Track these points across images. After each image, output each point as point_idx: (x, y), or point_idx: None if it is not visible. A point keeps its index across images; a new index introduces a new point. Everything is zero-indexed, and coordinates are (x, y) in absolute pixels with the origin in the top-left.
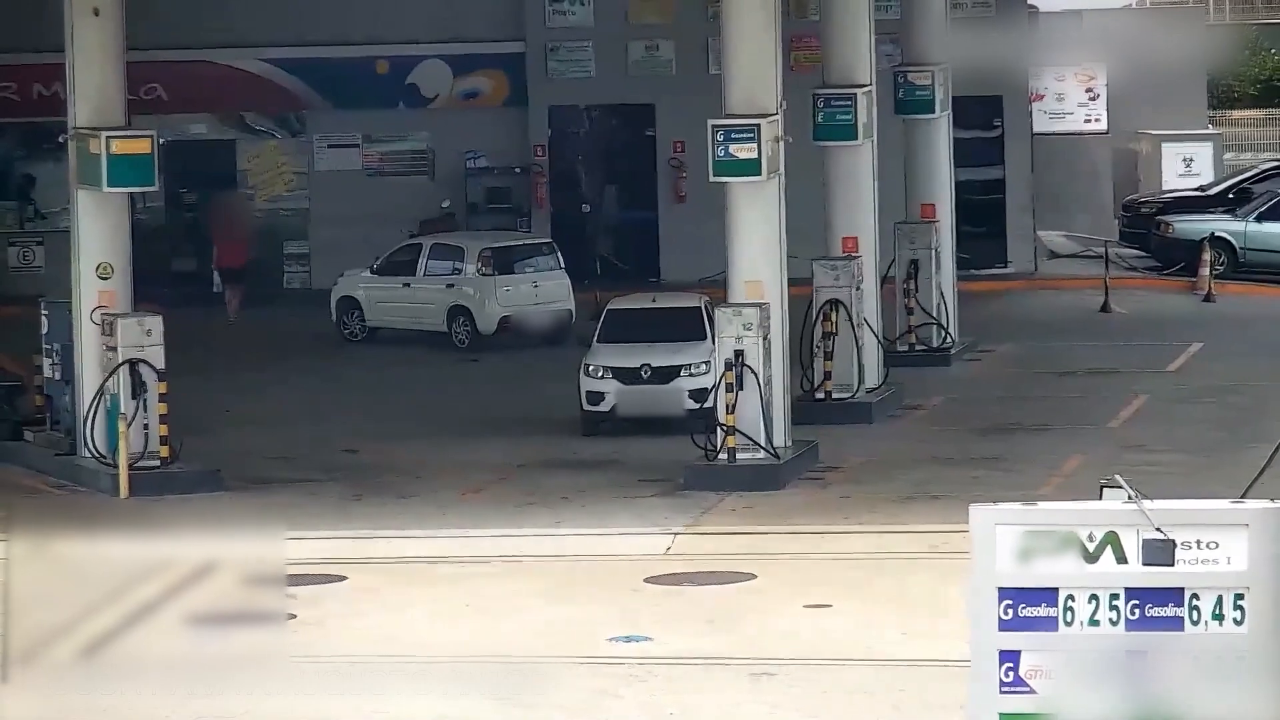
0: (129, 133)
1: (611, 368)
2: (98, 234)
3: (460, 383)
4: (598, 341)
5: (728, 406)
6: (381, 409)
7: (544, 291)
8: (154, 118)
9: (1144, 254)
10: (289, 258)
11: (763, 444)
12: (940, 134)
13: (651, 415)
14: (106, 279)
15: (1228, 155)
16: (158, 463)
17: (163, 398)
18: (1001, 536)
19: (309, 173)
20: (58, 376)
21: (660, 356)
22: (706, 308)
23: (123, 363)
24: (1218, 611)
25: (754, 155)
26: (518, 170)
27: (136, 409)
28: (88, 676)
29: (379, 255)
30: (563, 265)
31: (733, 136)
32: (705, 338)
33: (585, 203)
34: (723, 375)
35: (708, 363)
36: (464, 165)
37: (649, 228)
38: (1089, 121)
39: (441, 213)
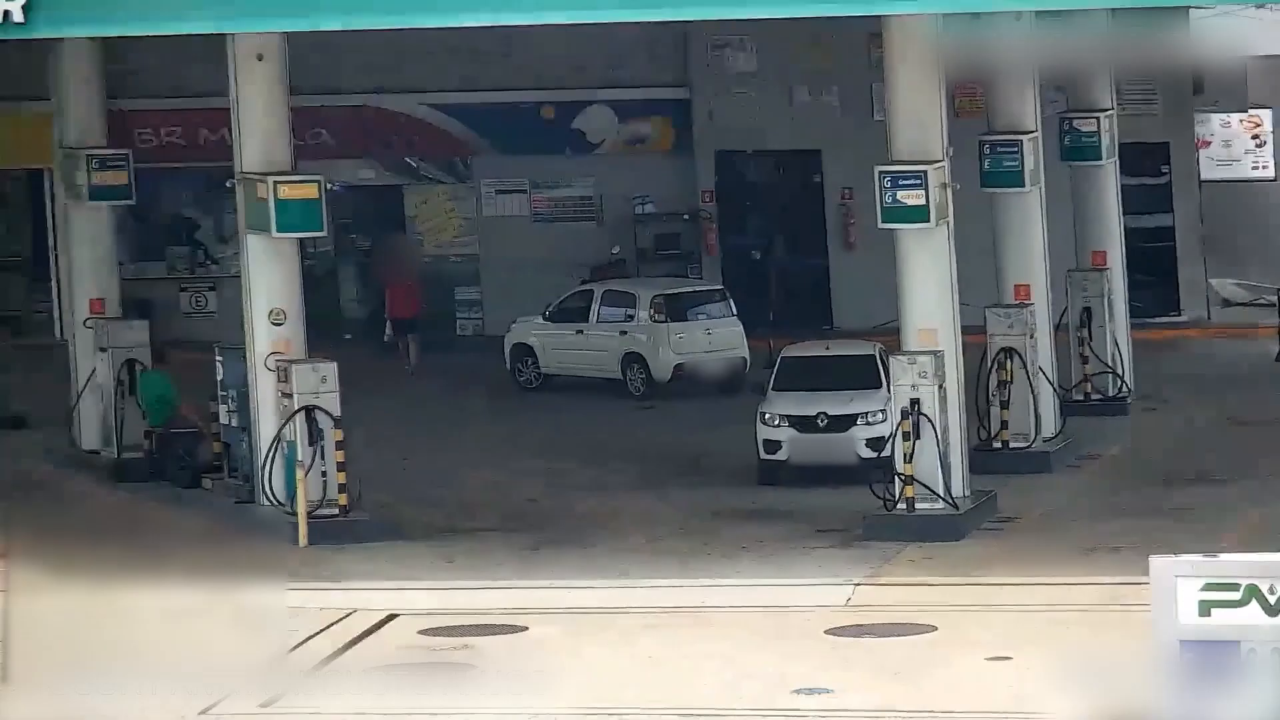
0: (296, 177)
1: (787, 416)
2: (269, 279)
3: (635, 430)
4: (773, 389)
5: (905, 456)
6: (558, 457)
7: (717, 339)
8: (321, 163)
9: None
10: (460, 304)
11: (941, 494)
12: (1108, 180)
13: (827, 464)
14: (280, 325)
15: None
16: (336, 511)
17: (339, 445)
18: (1183, 589)
19: (476, 218)
20: (234, 423)
21: (836, 405)
22: (881, 355)
23: (299, 409)
24: None
25: (922, 202)
26: (685, 216)
27: (314, 456)
28: None
29: (551, 302)
30: (735, 312)
31: (900, 183)
32: (880, 386)
33: (755, 249)
34: (899, 424)
35: (883, 411)
36: (631, 211)
37: (820, 274)
38: (1256, 168)
39: (612, 259)
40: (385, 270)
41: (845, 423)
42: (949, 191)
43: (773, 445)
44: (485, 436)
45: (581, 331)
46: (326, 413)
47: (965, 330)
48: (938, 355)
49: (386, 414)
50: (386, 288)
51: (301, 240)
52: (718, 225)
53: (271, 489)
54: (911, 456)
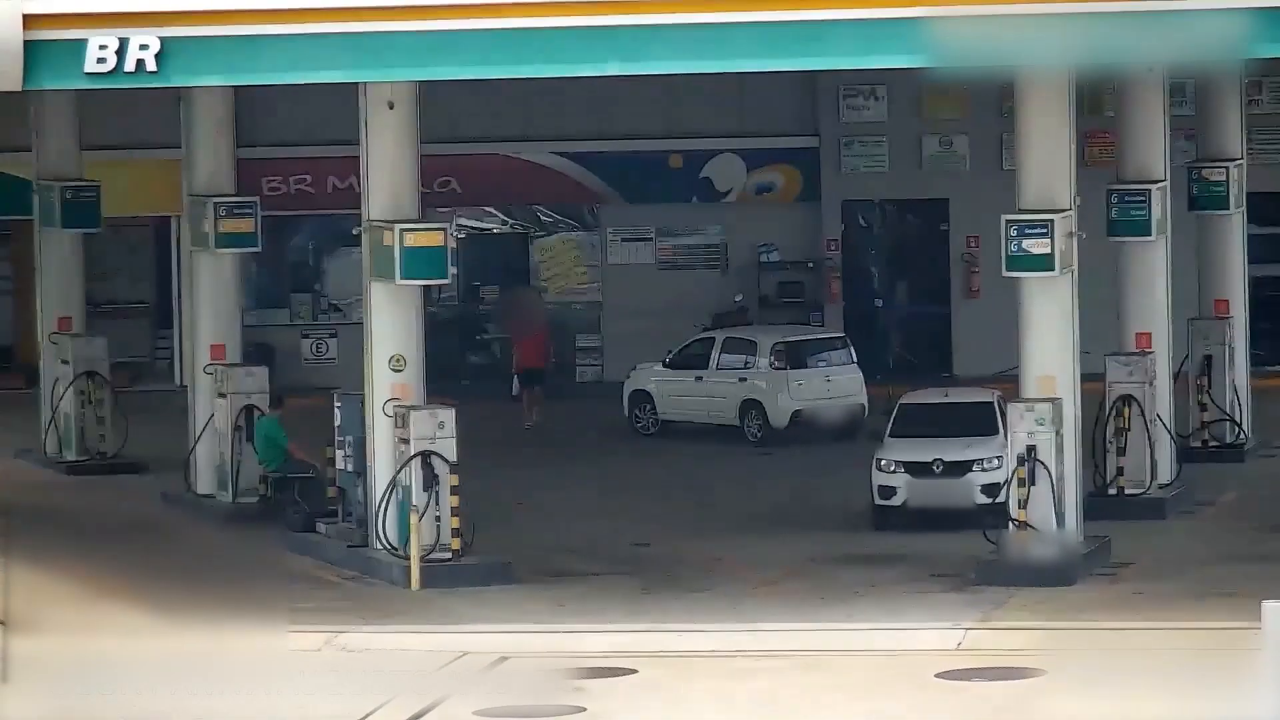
0: (423, 225)
1: (904, 462)
2: (391, 326)
3: (752, 476)
4: (890, 436)
5: (1019, 501)
6: (673, 502)
7: (836, 386)
8: (448, 211)
9: None
10: (581, 351)
11: (1054, 539)
12: (1234, 230)
13: (942, 509)
14: (400, 371)
15: None
16: (449, 555)
17: (454, 490)
18: None
19: (601, 265)
20: (350, 468)
21: (952, 451)
22: (999, 402)
23: (415, 454)
24: None
25: (1047, 250)
26: (810, 265)
27: (429, 501)
28: None
29: (671, 349)
30: (855, 359)
31: (1026, 232)
32: (997, 432)
33: (878, 297)
34: (1015, 471)
35: (1000, 458)
36: (756, 259)
37: (941, 322)
38: None
39: (734, 306)
40: (513, 323)
41: (961, 469)
42: (1074, 240)
43: (888, 490)
44: (600, 481)
45: (701, 378)
46: (443, 458)
47: (1084, 378)
48: (1056, 403)
49: (503, 459)
50: (514, 341)
51: (426, 287)
52: (841, 273)
53: (385, 533)
54: (1026, 503)
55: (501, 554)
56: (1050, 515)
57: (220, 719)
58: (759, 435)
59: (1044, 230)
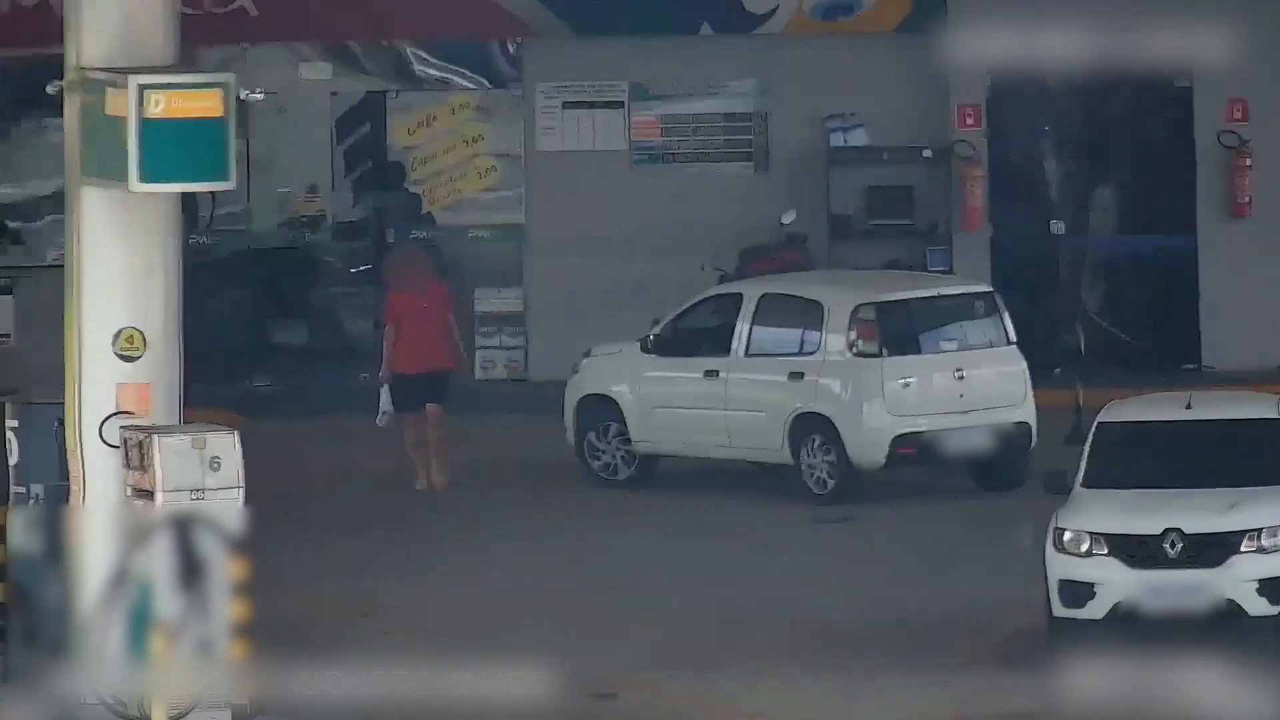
0: (184, 78)
1: (1107, 535)
2: (120, 274)
3: (817, 569)
4: (1082, 484)
5: None
6: (665, 615)
7: (976, 386)
8: (234, 50)
9: None
10: (487, 321)
11: None
12: None
13: (1184, 621)
14: (133, 358)
15: None
16: (225, 716)
17: (240, 589)
18: None
19: (524, 155)
20: (36, 547)
21: (1200, 514)
22: None
23: (164, 520)
24: None
25: None
26: (926, 154)
27: (188, 611)
28: None
29: (659, 318)
30: (1012, 337)
31: None
32: None
33: (1055, 219)
34: None
35: None
36: (823, 143)
37: (1180, 268)
38: None
39: (780, 234)
40: (397, 297)
41: (1217, 548)
42: None
43: (1078, 590)
44: (523, 570)
45: (716, 374)
46: (218, 527)
47: None
48: None
49: (345, 529)
50: (387, 320)
51: (186, 200)
52: (987, 173)
53: (105, 671)
54: None
55: (325, 714)
56: None
57: None
58: (829, 481)
59: None
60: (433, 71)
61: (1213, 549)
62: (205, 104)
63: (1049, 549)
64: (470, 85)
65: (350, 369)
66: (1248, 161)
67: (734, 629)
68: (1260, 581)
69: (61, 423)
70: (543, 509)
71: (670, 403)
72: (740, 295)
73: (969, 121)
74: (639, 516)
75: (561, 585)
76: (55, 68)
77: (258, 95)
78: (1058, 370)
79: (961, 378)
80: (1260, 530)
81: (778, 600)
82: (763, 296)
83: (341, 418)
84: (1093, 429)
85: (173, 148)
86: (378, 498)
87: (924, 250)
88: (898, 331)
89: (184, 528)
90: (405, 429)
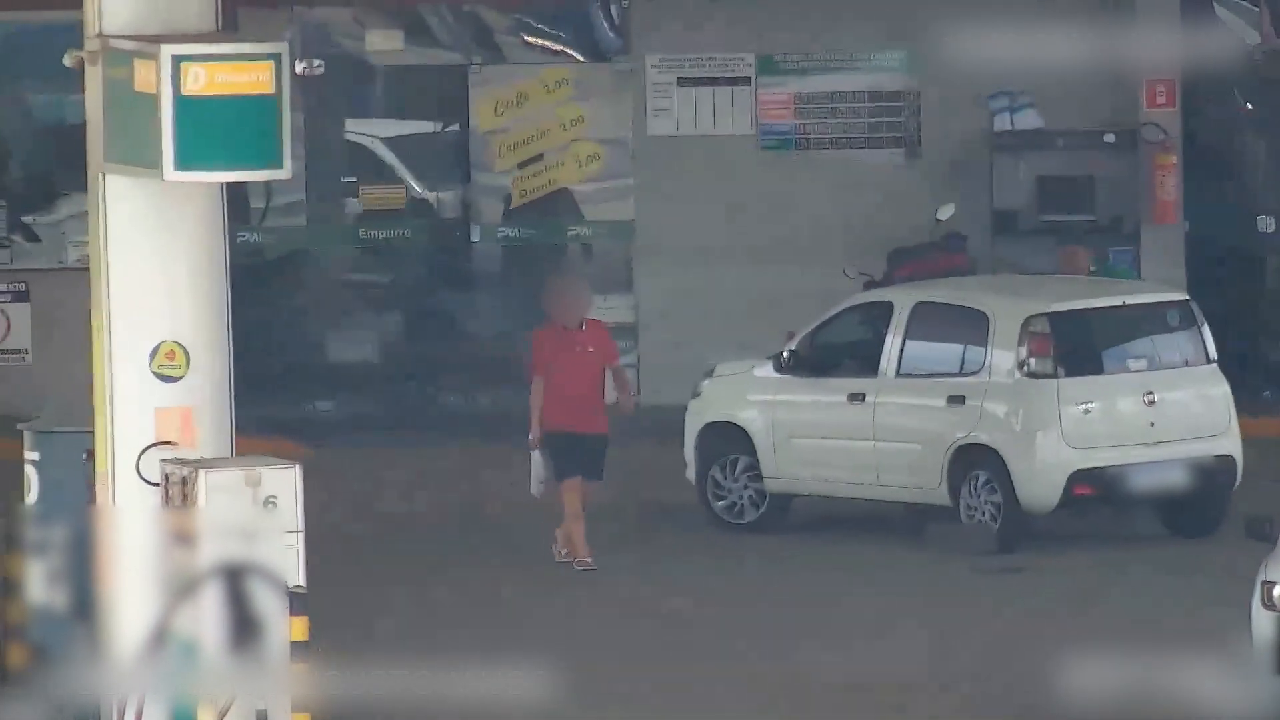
0: (228, 49)
1: None
2: (155, 278)
3: (985, 631)
4: None
5: None
6: (796, 698)
7: (1170, 412)
8: (282, 15)
9: None
10: None
11: None
12: None
13: None
14: (176, 378)
15: None
16: None
17: (302, 647)
18: None
19: (632, 139)
20: (60, 600)
21: None
22: None
23: (213, 570)
24: None
25: None
26: (1109, 138)
27: (244, 674)
28: None
29: (795, 331)
30: (1213, 353)
31: None
32: None
33: (1263, 211)
34: None
35: None
36: (985, 124)
37: None
38: None
39: (936, 232)
40: (547, 340)
41: None
42: None
43: None
44: (643, 642)
45: (863, 397)
46: (273, 580)
47: None
48: None
49: (419, 591)
50: (536, 369)
51: (234, 191)
52: (1181, 160)
53: None
54: None
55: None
56: None
57: None
58: (995, 523)
59: None
60: (523, 41)
61: None
62: (253, 78)
63: (1255, 606)
64: (568, 57)
65: (430, 387)
66: None
67: (890, 710)
68: None
69: (90, 455)
70: (656, 558)
71: (809, 432)
72: (890, 305)
73: (1160, 100)
74: (769, 568)
75: (681, 653)
76: (73, 34)
77: (317, 68)
78: (1268, 393)
79: (1152, 403)
80: None
81: (937, 669)
82: (916, 306)
83: (417, 446)
84: None
85: (215, 130)
86: (455, 540)
87: (1107, 251)
88: (1076, 348)
89: (235, 579)
90: (565, 496)
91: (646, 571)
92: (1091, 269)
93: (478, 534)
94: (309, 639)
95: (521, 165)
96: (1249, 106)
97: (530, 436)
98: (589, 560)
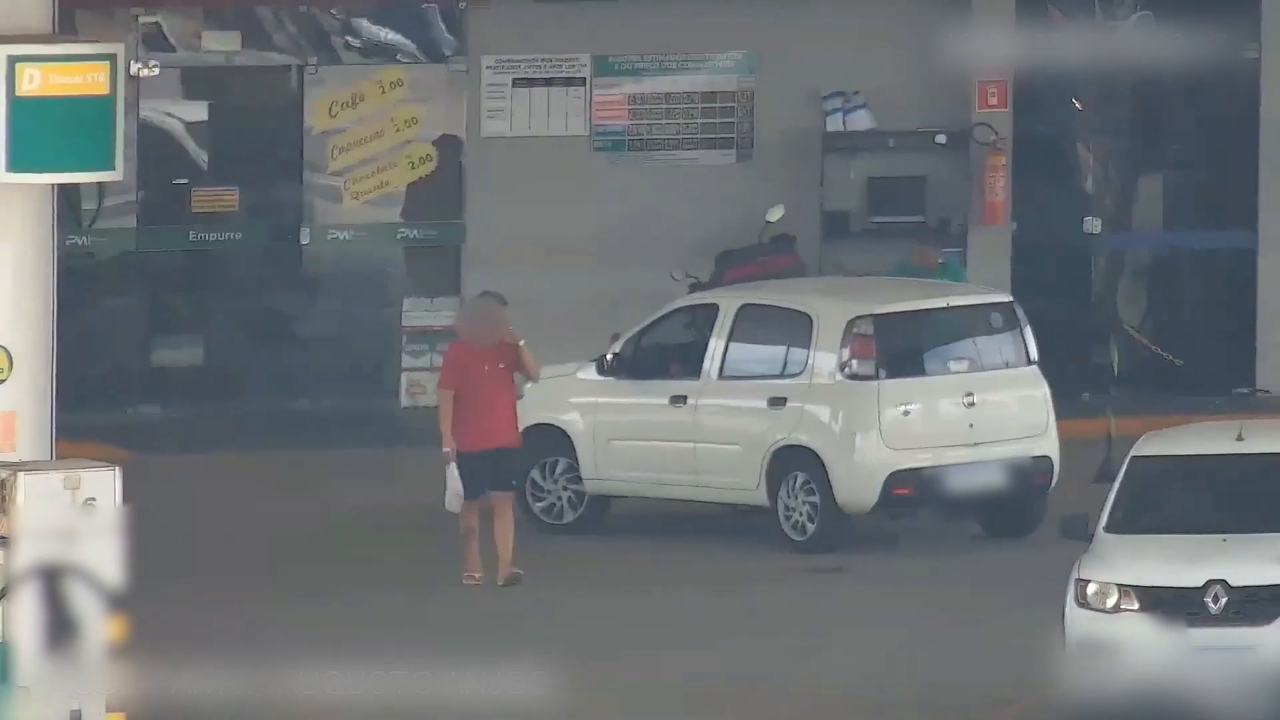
0: (60, 49)
1: (1139, 588)
2: None
3: (797, 625)
4: (1108, 529)
5: None
6: (631, 691)
7: (989, 414)
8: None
9: None
10: (415, 338)
11: None
12: None
13: (1229, 688)
14: None
15: None
16: None
17: (114, 651)
18: None
19: (465, 140)
20: None
21: (1248, 562)
22: None
23: (31, 570)
24: None
25: None
26: (940, 139)
27: (60, 674)
28: None
29: (617, 333)
30: (1034, 355)
31: None
32: None
33: (1090, 213)
34: None
35: None
36: (817, 125)
37: (1236, 269)
38: None
39: (765, 234)
40: (462, 355)
41: (1269, 603)
42: None
43: (1104, 652)
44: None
45: (684, 400)
46: (91, 580)
47: None
48: None
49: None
50: (446, 382)
51: (69, 194)
52: (1011, 162)
53: None
54: None
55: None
56: None
57: None
58: (809, 527)
59: None
60: (358, 42)
61: (1263, 604)
62: (88, 79)
63: (1069, 604)
64: (403, 59)
65: (254, 395)
66: None
67: (706, 709)
68: None
69: None
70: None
71: (629, 434)
72: (715, 307)
73: (992, 101)
74: (591, 574)
75: (492, 653)
76: None
77: (152, 69)
78: (1087, 395)
79: (972, 404)
80: None
81: (756, 669)
82: (741, 308)
83: (246, 450)
84: (1125, 464)
85: (48, 131)
86: (276, 549)
87: (934, 250)
88: (898, 350)
89: (52, 580)
90: (460, 515)
91: (453, 567)
92: (940, 261)
93: (306, 538)
94: (125, 639)
95: (355, 166)
96: (1078, 106)
97: (445, 450)
98: (476, 577)
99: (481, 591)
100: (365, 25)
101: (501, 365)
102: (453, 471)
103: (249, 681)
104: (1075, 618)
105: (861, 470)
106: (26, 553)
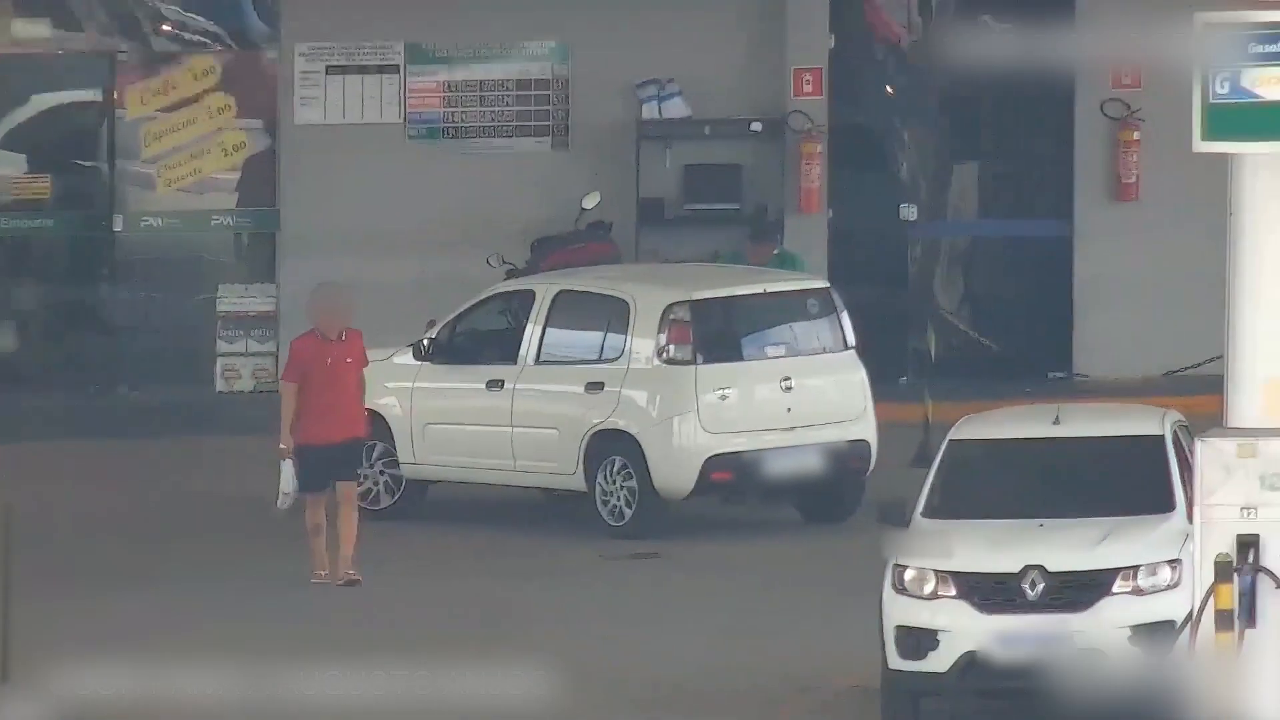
0: None
1: (956, 574)
2: None
3: (606, 610)
4: (925, 514)
5: (1221, 666)
6: (432, 659)
7: (807, 399)
8: None
9: None
10: (230, 324)
11: None
12: None
13: (1045, 675)
14: None
15: None
16: None
17: None
18: None
19: (276, 129)
20: None
21: (1065, 548)
22: (1177, 438)
23: None
24: None
25: None
26: (755, 127)
27: None
28: None
29: (434, 319)
30: (851, 340)
31: (1253, 45)
32: (1171, 507)
33: (906, 202)
34: (1209, 593)
35: (1176, 563)
36: (632, 113)
37: (1053, 257)
38: None
39: (581, 221)
40: (311, 347)
41: (1086, 590)
42: None
43: (920, 639)
44: (272, 625)
45: (501, 384)
46: None
47: None
48: None
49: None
50: (289, 374)
51: None
52: (826, 148)
53: None
54: (1241, 668)
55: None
56: None
57: None
58: (627, 513)
59: None
60: (171, 30)
61: (1080, 590)
62: None
63: (886, 590)
64: (216, 46)
65: (67, 383)
66: (1136, 135)
67: (519, 696)
68: (1134, 629)
69: None
70: (276, 550)
71: (446, 418)
72: (532, 293)
73: (807, 88)
74: (411, 556)
75: (299, 640)
76: None
77: None
78: (904, 379)
79: (789, 389)
80: (1136, 568)
81: (570, 655)
82: (558, 294)
83: (55, 440)
84: (942, 448)
85: None
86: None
87: (752, 239)
88: (716, 335)
89: None
90: (307, 510)
91: (277, 560)
92: (775, 253)
93: (123, 528)
94: None
95: (168, 154)
96: (890, 91)
97: (281, 446)
98: (323, 574)
99: (302, 583)
100: (178, 12)
101: (349, 359)
102: (287, 469)
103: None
104: (892, 603)
105: (679, 455)
106: None
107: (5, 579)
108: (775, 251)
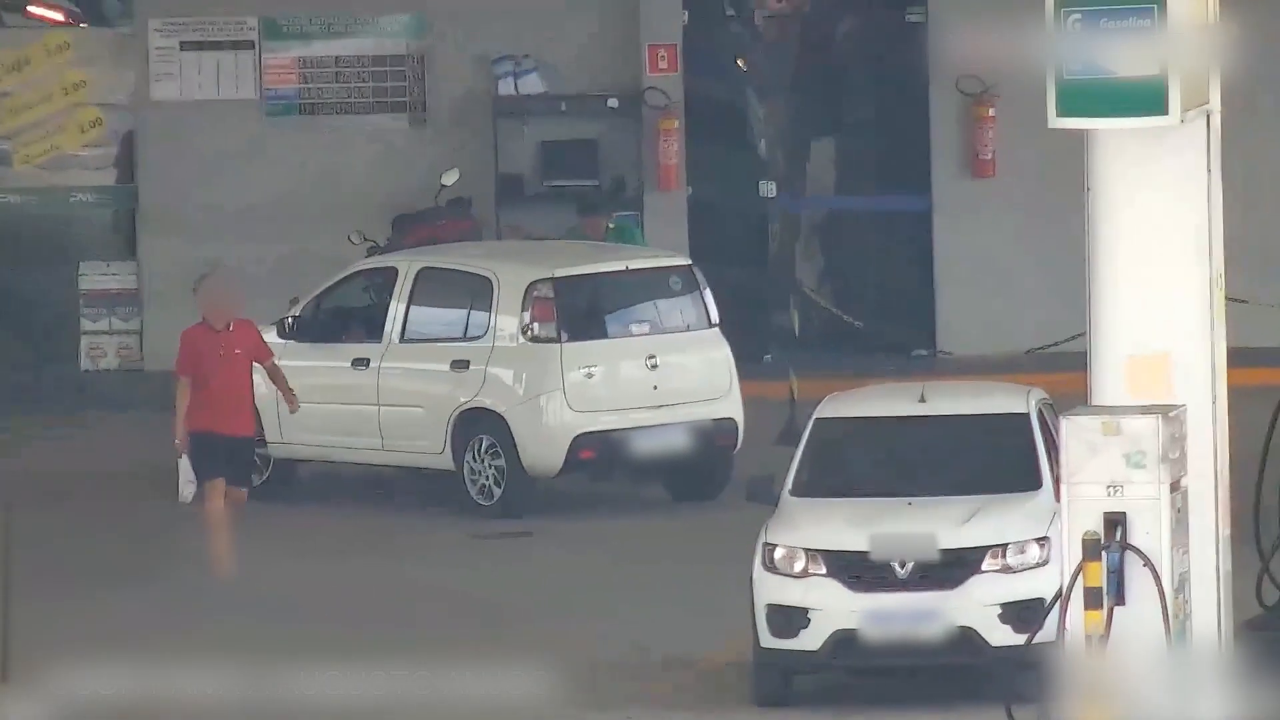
0: None
1: (825, 552)
2: None
3: (472, 590)
4: (793, 492)
5: (1087, 641)
6: (280, 647)
7: (672, 376)
8: None
9: None
10: (94, 302)
11: None
12: None
13: (915, 653)
14: None
15: None
16: None
17: None
18: None
19: (133, 106)
20: None
21: (933, 526)
22: (1042, 415)
23: None
24: None
25: (1154, 71)
26: (612, 103)
27: None
28: None
29: (296, 297)
30: (715, 317)
31: (1105, 22)
32: (1038, 485)
33: (765, 179)
34: (1078, 570)
35: (1044, 540)
36: (489, 88)
37: (913, 234)
38: None
39: (441, 197)
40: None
41: (954, 568)
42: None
43: (790, 618)
44: (130, 609)
45: (366, 363)
46: None
47: (1241, 358)
48: (1170, 415)
49: None
50: (183, 368)
51: None
52: (683, 123)
53: None
54: (1107, 642)
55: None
56: (1166, 669)
57: None
58: (496, 492)
59: (1146, 21)
60: (24, 5)
61: (949, 568)
62: None
63: (756, 568)
64: (70, 22)
65: None
66: (991, 111)
67: (390, 676)
68: (1004, 606)
69: None
70: (135, 528)
71: (311, 397)
72: (394, 270)
73: (662, 65)
74: (273, 536)
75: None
76: None
77: None
78: (768, 357)
79: (655, 366)
80: (1005, 546)
81: (441, 634)
82: (421, 271)
83: None
84: (809, 426)
85: None
86: None
87: (609, 219)
88: (580, 312)
89: None
90: (210, 499)
91: (134, 541)
92: (610, 226)
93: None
94: None
95: (24, 129)
96: (742, 66)
97: (175, 441)
98: (225, 565)
99: (175, 564)
100: None
101: (238, 350)
102: (184, 463)
103: None
104: (763, 582)
105: (546, 433)
106: None
107: (5, 579)
108: (610, 225)
